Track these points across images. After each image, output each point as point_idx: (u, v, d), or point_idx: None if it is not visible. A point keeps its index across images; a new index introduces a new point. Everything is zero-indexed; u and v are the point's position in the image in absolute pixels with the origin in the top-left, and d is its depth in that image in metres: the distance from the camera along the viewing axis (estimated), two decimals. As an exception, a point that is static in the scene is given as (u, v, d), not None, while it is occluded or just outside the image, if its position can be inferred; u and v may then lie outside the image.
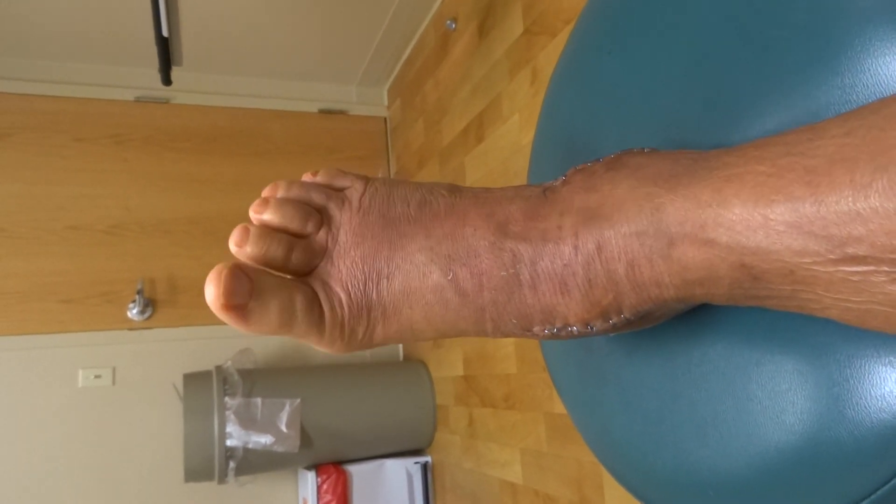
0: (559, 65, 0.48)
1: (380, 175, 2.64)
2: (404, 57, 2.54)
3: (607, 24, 0.43)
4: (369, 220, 0.31)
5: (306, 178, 0.34)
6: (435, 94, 2.25)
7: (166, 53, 1.57)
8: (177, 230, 2.38)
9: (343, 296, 0.30)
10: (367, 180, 0.33)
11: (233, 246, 0.30)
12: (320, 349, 0.32)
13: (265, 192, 0.33)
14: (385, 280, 0.30)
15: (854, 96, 0.27)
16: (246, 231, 0.30)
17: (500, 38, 1.77)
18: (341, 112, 2.71)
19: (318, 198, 0.32)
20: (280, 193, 0.33)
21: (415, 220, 0.31)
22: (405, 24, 2.33)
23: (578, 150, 0.43)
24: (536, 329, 0.30)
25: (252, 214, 0.32)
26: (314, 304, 0.30)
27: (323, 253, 0.31)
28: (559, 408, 1.49)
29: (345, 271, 0.30)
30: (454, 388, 2.08)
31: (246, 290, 0.28)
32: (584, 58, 0.44)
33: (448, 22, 2.11)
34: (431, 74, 2.28)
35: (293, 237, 0.31)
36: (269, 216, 0.31)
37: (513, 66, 1.70)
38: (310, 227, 0.31)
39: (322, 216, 0.32)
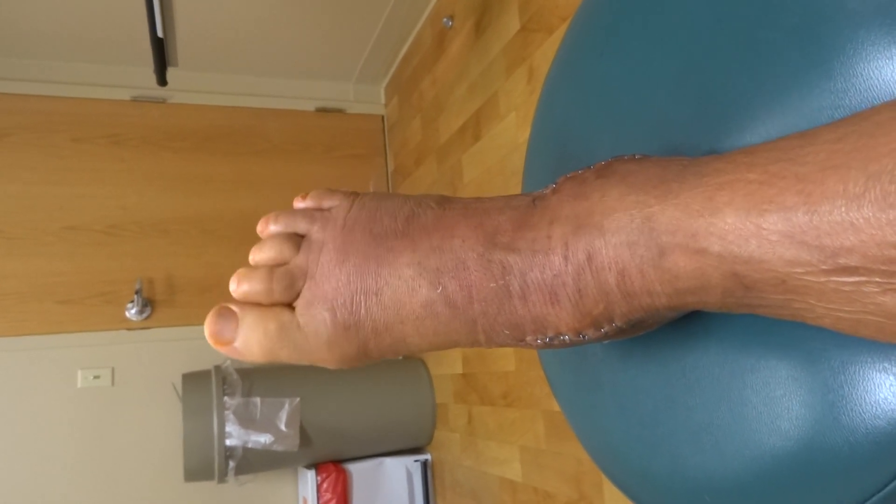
0: (553, 65, 0.48)
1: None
2: (401, 54, 2.53)
3: (601, 25, 0.42)
4: (353, 238, 0.31)
5: (297, 202, 0.35)
6: (432, 92, 2.24)
7: (161, 54, 1.57)
8: (175, 230, 2.38)
9: (328, 315, 0.30)
10: (355, 197, 0.34)
11: (231, 292, 0.33)
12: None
13: (258, 228, 0.35)
14: (374, 296, 0.30)
15: (846, 100, 0.27)
16: (237, 275, 0.32)
17: (497, 35, 1.77)
18: (338, 110, 2.70)
19: (302, 223, 0.34)
20: (270, 226, 0.34)
21: (402, 233, 0.31)
22: (402, 22, 2.33)
23: (572, 151, 0.43)
24: (529, 339, 0.29)
25: (250, 259, 0.34)
26: (289, 329, 0.31)
27: (304, 275, 0.32)
28: (557, 405, 1.49)
29: (329, 290, 0.31)
30: (453, 385, 2.08)
31: (231, 327, 0.31)
32: (578, 59, 0.44)
33: (445, 19, 2.10)
34: (428, 72, 2.28)
35: (272, 268, 0.32)
36: (256, 256, 0.33)
37: (509, 64, 1.70)
38: (286, 254, 0.32)
39: (302, 239, 0.33)
